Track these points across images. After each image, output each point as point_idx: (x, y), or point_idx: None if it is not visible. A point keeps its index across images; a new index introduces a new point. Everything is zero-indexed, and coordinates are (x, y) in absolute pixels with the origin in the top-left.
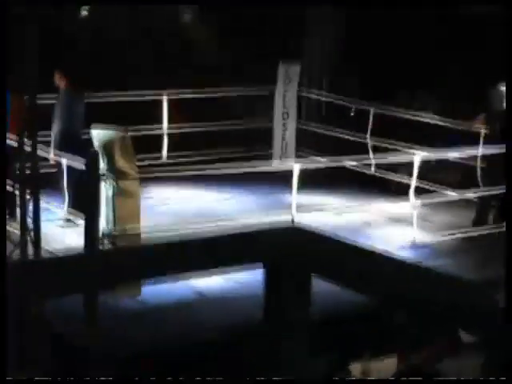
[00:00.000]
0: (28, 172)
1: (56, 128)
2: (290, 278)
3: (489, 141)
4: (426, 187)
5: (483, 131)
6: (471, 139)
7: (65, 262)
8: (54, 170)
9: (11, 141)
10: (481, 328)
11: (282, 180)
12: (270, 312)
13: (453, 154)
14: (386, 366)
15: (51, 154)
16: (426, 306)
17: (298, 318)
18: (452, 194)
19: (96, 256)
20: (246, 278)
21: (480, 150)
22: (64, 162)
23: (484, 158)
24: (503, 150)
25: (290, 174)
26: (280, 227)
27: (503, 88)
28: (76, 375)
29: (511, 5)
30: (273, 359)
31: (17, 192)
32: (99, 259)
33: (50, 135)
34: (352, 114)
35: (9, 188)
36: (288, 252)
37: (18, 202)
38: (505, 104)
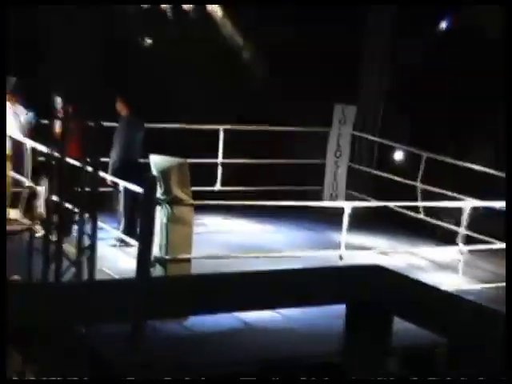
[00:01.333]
0: (88, 193)
1: (115, 153)
2: (370, 318)
3: None
4: (473, 235)
5: None
6: None
7: (117, 285)
8: (110, 192)
9: (73, 162)
10: None
11: (331, 217)
12: (347, 349)
13: (501, 204)
14: None
15: (109, 177)
16: (486, 347)
17: (375, 357)
18: (498, 243)
19: (147, 282)
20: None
21: None
22: (122, 185)
23: None
24: None
25: (339, 211)
26: (363, 267)
27: None
28: None
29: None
30: None
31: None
32: (150, 285)
33: (107, 159)
34: (399, 158)
35: (68, 206)
36: (370, 292)
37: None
38: None
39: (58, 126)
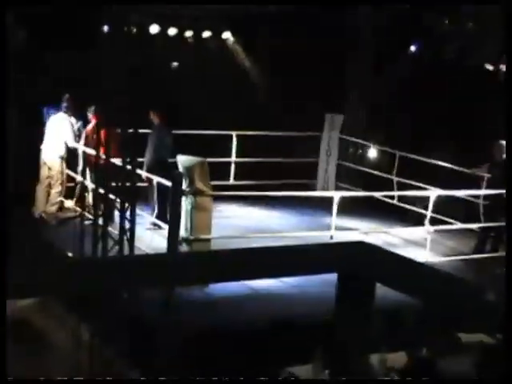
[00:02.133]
0: (127, 186)
1: (149, 154)
2: (357, 284)
3: (490, 184)
4: (438, 218)
5: (486, 177)
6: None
7: (152, 259)
8: (145, 186)
9: (115, 162)
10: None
11: (323, 204)
12: (339, 310)
13: (461, 193)
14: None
15: (144, 174)
16: (449, 308)
17: (361, 316)
18: (458, 224)
19: (176, 257)
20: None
21: (483, 191)
22: (155, 180)
23: (485, 197)
24: (501, 192)
25: (330, 200)
26: (350, 243)
27: (503, 142)
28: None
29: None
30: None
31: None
32: (178, 260)
33: (143, 159)
34: (378, 156)
35: (112, 197)
36: (357, 263)
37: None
38: (504, 155)
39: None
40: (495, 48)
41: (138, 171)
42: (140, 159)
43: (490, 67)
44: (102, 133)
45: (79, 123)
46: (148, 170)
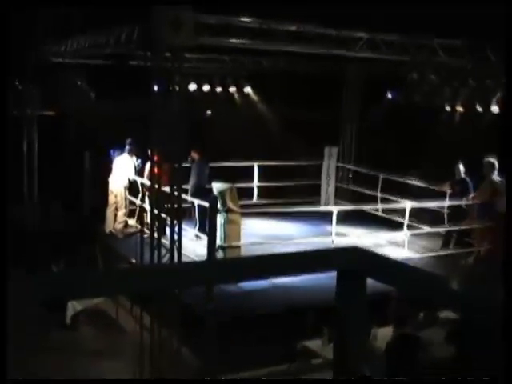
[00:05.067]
0: (175, 207)
1: (191, 182)
2: (352, 279)
3: (451, 197)
4: (413, 224)
5: (448, 191)
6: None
7: (195, 264)
8: (188, 206)
9: (166, 190)
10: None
11: (325, 216)
12: (338, 298)
13: (430, 204)
14: (387, 332)
15: (188, 198)
16: (421, 294)
17: (356, 301)
18: (428, 228)
19: (214, 261)
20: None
21: (446, 202)
22: (195, 202)
23: (448, 207)
24: (460, 203)
25: (330, 213)
26: (347, 248)
27: (461, 166)
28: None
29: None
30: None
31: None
32: (216, 263)
33: (187, 186)
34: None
35: (163, 216)
36: (352, 262)
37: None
38: (462, 175)
39: (147, 169)
40: (451, 93)
41: (183, 196)
42: (184, 186)
43: (447, 108)
44: (156, 168)
45: (138, 161)
46: (191, 195)
